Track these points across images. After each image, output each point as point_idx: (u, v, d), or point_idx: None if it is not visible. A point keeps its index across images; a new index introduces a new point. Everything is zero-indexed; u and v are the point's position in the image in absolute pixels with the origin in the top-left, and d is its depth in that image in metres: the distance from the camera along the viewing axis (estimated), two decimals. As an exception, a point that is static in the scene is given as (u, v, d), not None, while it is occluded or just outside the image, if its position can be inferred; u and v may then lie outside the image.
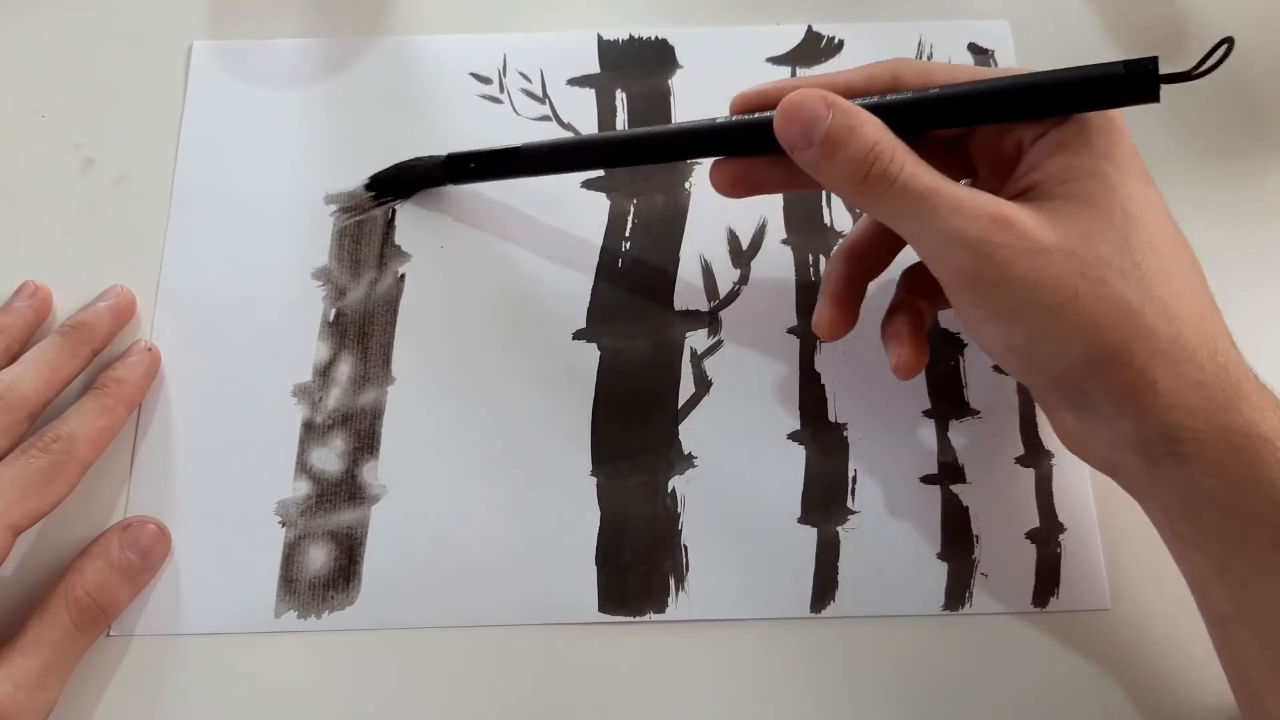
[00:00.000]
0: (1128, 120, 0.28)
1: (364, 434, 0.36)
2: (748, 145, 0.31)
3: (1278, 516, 0.25)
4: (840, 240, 0.35)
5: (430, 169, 0.38)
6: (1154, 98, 0.27)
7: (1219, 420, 0.25)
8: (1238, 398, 0.25)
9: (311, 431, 0.36)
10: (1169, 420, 0.26)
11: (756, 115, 0.30)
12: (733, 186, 0.33)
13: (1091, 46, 0.43)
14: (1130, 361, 0.25)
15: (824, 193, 0.40)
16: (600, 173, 0.40)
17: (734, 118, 0.31)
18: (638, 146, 0.34)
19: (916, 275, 0.35)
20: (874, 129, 0.27)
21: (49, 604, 0.31)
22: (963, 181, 0.30)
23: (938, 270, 0.28)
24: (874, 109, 0.28)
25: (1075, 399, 0.28)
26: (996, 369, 0.37)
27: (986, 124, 0.29)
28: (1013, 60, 0.43)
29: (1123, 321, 0.25)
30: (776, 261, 0.39)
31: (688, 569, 0.34)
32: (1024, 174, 0.28)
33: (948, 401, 0.37)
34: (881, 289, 0.37)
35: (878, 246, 0.34)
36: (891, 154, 0.27)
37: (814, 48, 0.43)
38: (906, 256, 0.35)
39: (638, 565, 0.34)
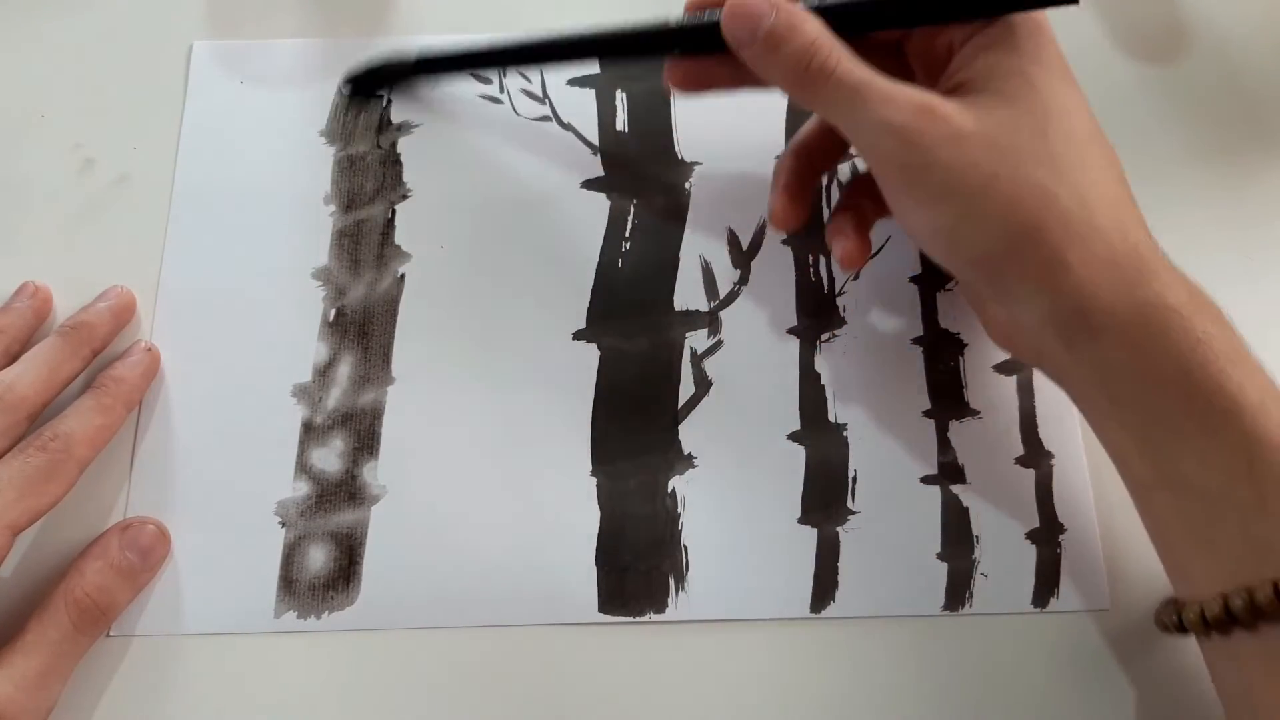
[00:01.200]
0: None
1: (364, 434, 0.36)
2: (699, 44, 0.33)
3: (1187, 382, 0.26)
4: (791, 140, 0.36)
5: (402, 64, 0.41)
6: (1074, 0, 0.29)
7: (1129, 295, 0.27)
8: (1147, 273, 0.27)
9: (311, 432, 0.36)
10: (1082, 295, 0.27)
11: (706, 15, 0.32)
12: (685, 82, 0.34)
13: (1091, 45, 0.43)
14: (1045, 240, 0.27)
15: (824, 194, 0.40)
16: (600, 172, 0.40)
17: (686, 17, 0.33)
18: (597, 42, 0.36)
19: (862, 182, 0.36)
20: (813, 26, 0.29)
21: (49, 605, 0.31)
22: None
23: (870, 160, 0.30)
24: (815, 11, 0.30)
25: (995, 279, 0.29)
26: (996, 369, 0.37)
27: (918, 25, 0.31)
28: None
29: (1038, 203, 0.27)
30: (776, 262, 0.39)
31: (688, 569, 0.34)
32: (953, 73, 0.30)
33: (948, 402, 0.37)
34: (886, 279, 0.37)
35: (824, 143, 0.36)
36: (829, 50, 0.29)
37: (814, 48, 0.43)
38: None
39: (638, 565, 0.34)
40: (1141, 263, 0.27)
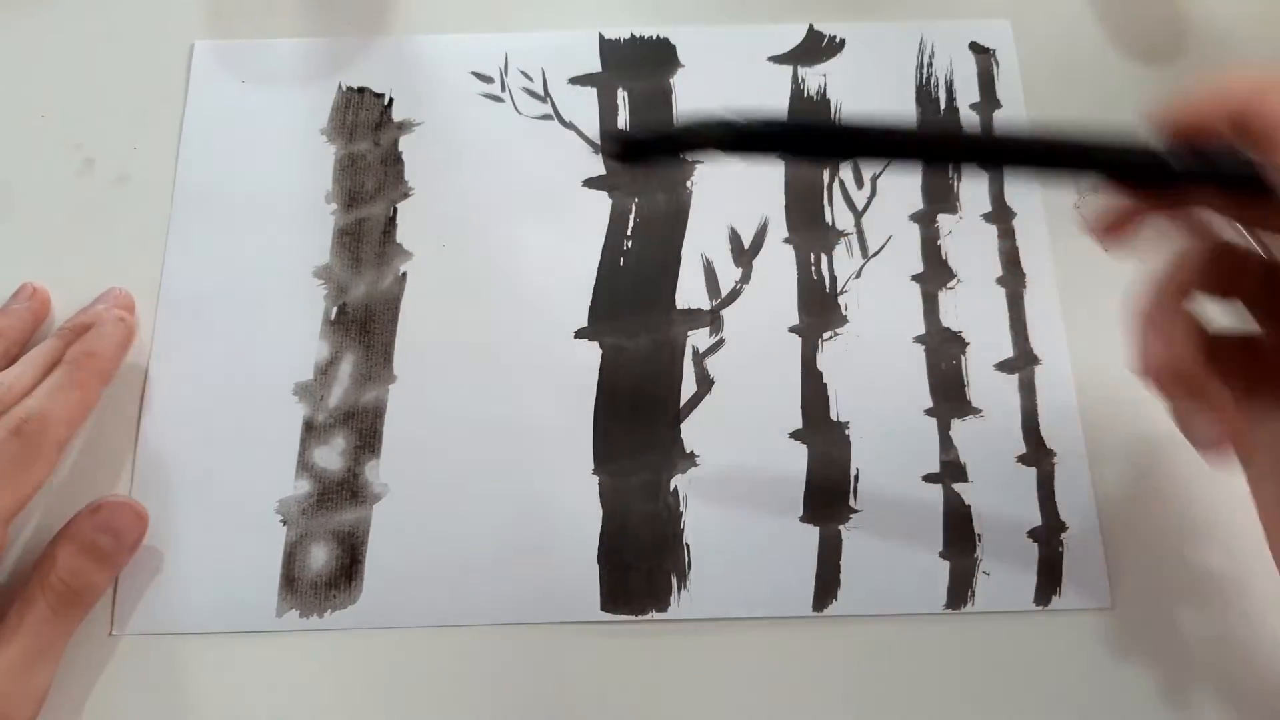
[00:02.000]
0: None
1: (365, 432, 0.36)
2: (1199, 178, 0.23)
3: None
4: (1160, 275, 0.27)
5: (710, 133, 0.26)
6: None
7: None
8: None
9: (313, 430, 0.36)
10: None
11: (1206, 147, 0.23)
12: (1123, 229, 0.25)
13: (1093, 47, 0.43)
14: None
15: (826, 192, 0.40)
16: (602, 171, 0.40)
17: (1170, 142, 0.23)
18: (1026, 152, 0.25)
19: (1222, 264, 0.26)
20: None
21: (27, 592, 0.31)
22: None
23: None
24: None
25: None
26: (998, 367, 0.37)
27: None
28: (1013, 59, 0.42)
29: None
30: (778, 260, 0.39)
31: (690, 568, 0.34)
32: None
33: (949, 400, 0.37)
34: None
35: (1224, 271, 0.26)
36: None
37: (815, 47, 0.43)
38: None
39: (640, 564, 0.34)
40: None
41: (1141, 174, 0.23)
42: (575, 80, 0.42)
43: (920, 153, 0.26)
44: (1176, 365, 0.25)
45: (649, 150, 0.28)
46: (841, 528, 0.35)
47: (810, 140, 0.26)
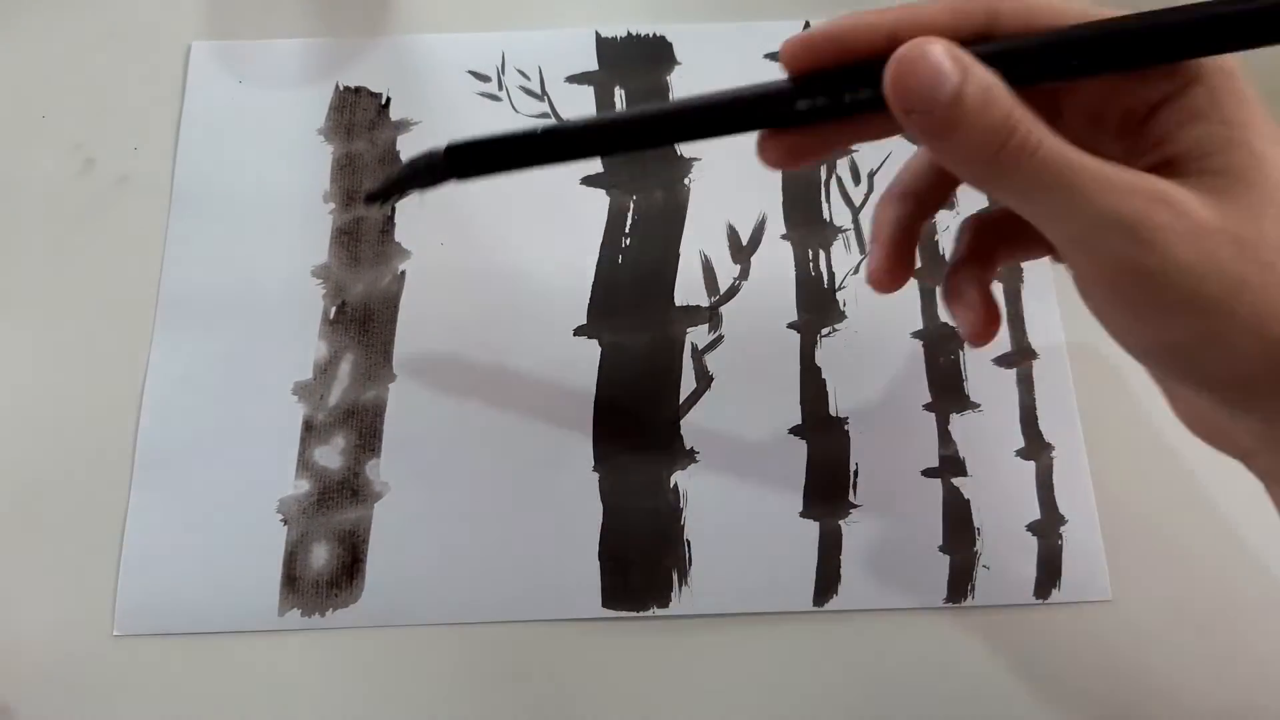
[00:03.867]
0: None
1: (365, 431, 0.36)
2: (827, 111, 0.25)
3: None
4: (889, 186, 0.29)
5: (429, 168, 0.28)
6: None
7: None
8: None
9: (313, 429, 0.36)
10: None
11: (828, 71, 0.24)
12: (790, 158, 0.26)
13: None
14: None
15: (823, 189, 0.40)
16: (600, 169, 0.40)
17: (792, 78, 0.25)
18: (686, 119, 0.27)
19: (984, 224, 0.30)
20: (1005, 93, 0.22)
21: None
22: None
23: (1078, 258, 0.24)
24: (986, 58, 0.22)
25: (1245, 404, 0.24)
26: (996, 362, 0.38)
27: (1119, 70, 0.24)
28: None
29: None
30: (776, 256, 0.39)
31: (690, 564, 0.35)
32: (1153, 147, 0.24)
33: (948, 395, 0.37)
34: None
35: (934, 185, 0.29)
36: (1029, 124, 0.22)
37: (812, 44, 0.43)
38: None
39: (640, 560, 0.35)
40: None
41: (780, 117, 0.26)
42: (572, 79, 0.42)
43: (620, 141, 0.28)
44: (894, 278, 0.29)
45: (389, 195, 0.29)
46: (841, 523, 0.35)
47: (512, 152, 0.27)
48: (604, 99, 0.42)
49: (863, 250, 0.39)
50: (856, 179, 0.40)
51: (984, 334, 0.29)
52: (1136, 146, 0.24)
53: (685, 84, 0.42)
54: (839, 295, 0.38)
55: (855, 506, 0.35)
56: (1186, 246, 0.22)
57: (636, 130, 0.28)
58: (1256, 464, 0.26)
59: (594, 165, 0.40)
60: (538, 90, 0.42)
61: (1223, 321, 0.22)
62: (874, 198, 0.40)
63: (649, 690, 0.33)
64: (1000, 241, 0.30)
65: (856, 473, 0.36)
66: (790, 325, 0.38)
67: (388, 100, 0.41)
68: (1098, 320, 0.25)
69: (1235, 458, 0.27)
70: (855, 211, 0.40)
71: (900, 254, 0.29)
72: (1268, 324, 0.22)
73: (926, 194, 0.30)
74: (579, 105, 0.41)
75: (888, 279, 0.29)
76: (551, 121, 0.26)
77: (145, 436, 0.36)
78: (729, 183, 0.40)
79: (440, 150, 0.27)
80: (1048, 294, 0.38)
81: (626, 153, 0.31)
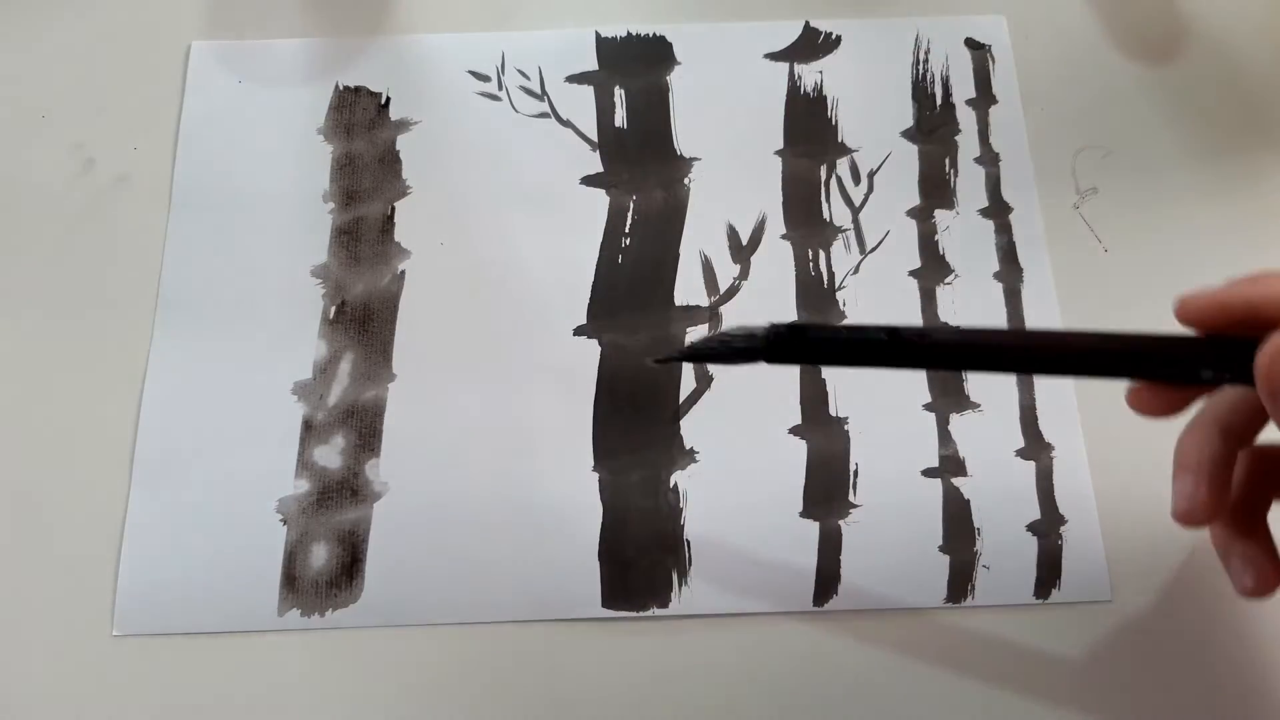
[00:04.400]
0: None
1: (365, 431, 0.36)
2: (1187, 378, 0.25)
3: None
4: (1202, 410, 0.27)
5: (746, 349, 0.26)
6: None
7: None
8: None
9: (312, 429, 0.36)
10: None
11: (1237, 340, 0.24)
12: (1158, 409, 0.26)
13: (1089, 43, 0.43)
14: None
15: (823, 189, 0.40)
16: (600, 168, 0.40)
17: (1199, 339, 0.24)
18: (1072, 354, 0.25)
19: (1267, 454, 0.28)
20: None
21: None
22: None
23: None
24: None
25: None
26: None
27: None
28: (1009, 54, 0.43)
29: None
30: (776, 256, 0.39)
31: (690, 564, 0.35)
32: None
33: (948, 395, 0.37)
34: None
35: (1251, 413, 0.27)
36: None
37: (811, 43, 0.43)
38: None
39: (640, 560, 0.35)
40: None
41: (1174, 375, 0.24)
42: (572, 78, 0.42)
43: (956, 361, 0.26)
44: (1209, 513, 0.26)
45: (692, 359, 0.30)
46: (841, 523, 0.35)
47: (867, 352, 0.25)
48: (604, 99, 0.42)
49: (863, 250, 0.39)
50: (856, 179, 0.40)
51: (1266, 588, 0.26)
52: None
53: (685, 84, 0.42)
54: (839, 295, 0.38)
55: (855, 506, 0.35)
56: None
57: (1011, 354, 0.26)
58: None
59: (594, 165, 0.40)
60: (538, 90, 0.42)
61: None
62: (874, 197, 0.40)
63: (649, 690, 0.33)
64: None
65: (856, 473, 0.36)
66: (790, 325, 0.38)
67: (387, 100, 0.41)
68: None
69: None
70: (855, 211, 0.40)
71: (1218, 489, 0.26)
72: None
73: (1244, 424, 0.27)
74: (578, 105, 0.41)
75: (1205, 515, 0.26)
76: (902, 325, 0.25)
77: (145, 436, 0.36)
78: (729, 183, 0.40)
79: (762, 331, 0.25)
80: (1048, 294, 0.38)
81: (990, 372, 0.30)
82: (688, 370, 0.37)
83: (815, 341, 0.25)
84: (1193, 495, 0.26)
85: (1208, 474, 0.26)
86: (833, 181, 0.40)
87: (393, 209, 0.40)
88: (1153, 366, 0.24)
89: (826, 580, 0.34)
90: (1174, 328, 0.25)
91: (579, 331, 0.38)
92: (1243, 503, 0.27)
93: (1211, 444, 0.26)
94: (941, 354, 0.25)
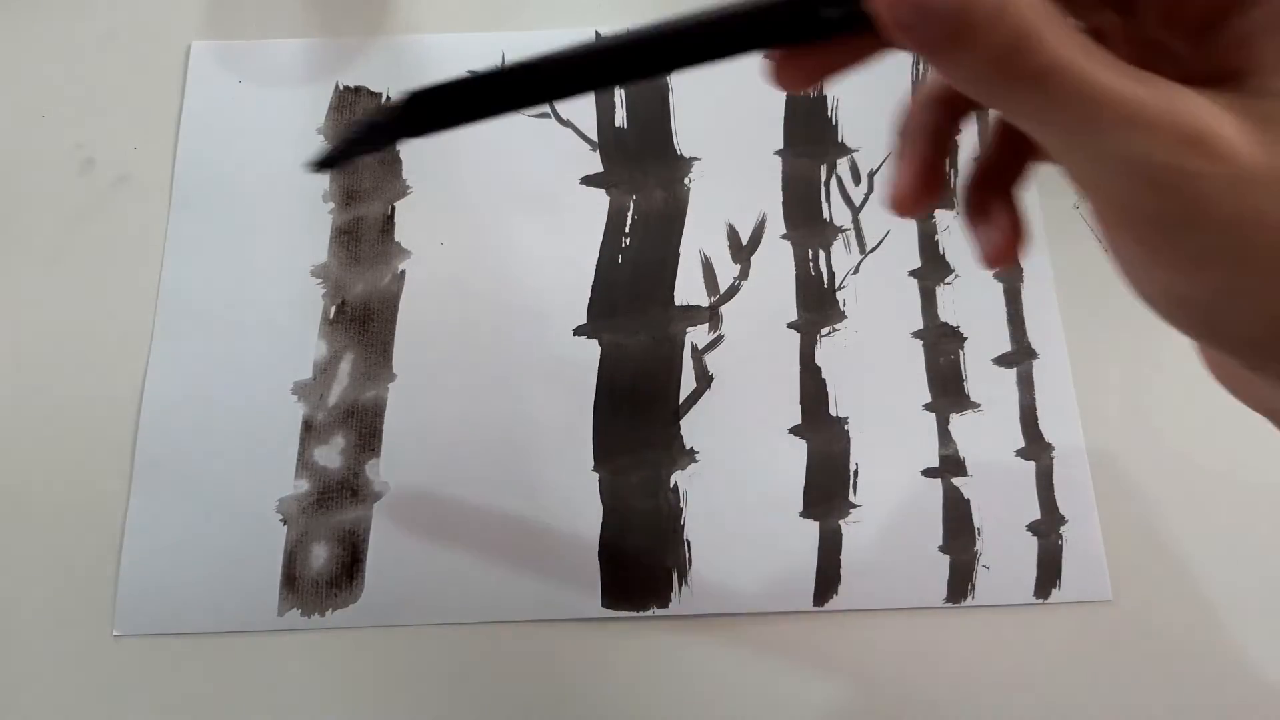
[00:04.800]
0: None
1: (365, 431, 0.36)
2: (812, 28, 0.21)
3: None
4: (921, 89, 0.25)
5: (386, 124, 0.25)
6: None
7: None
8: None
9: (312, 429, 0.36)
10: None
11: None
12: (799, 79, 0.23)
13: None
14: None
15: (823, 189, 0.40)
16: (600, 169, 0.40)
17: None
18: (687, 38, 0.23)
19: (1010, 132, 0.25)
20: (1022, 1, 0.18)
21: None
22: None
23: (1094, 198, 0.20)
24: None
25: (1264, 364, 0.21)
26: (996, 362, 0.37)
27: None
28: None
29: None
30: (776, 256, 0.39)
31: (690, 564, 0.35)
32: (1227, 53, 0.20)
33: (948, 395, 0.37)
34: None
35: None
36: (1042, 33, 0.18)
37: (812, 44, 0.43)
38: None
39: (640, 560, 0.35)
40: None
41: (800, 29, 0.22)
42: (573, 78, 0.42)
43: (603, 75, 0.23)
44: (917, 199, 0.24)
45: (340, 159, 0.26)
46: (841, 523, 0.35)
47: (481, 95, 0.23)
48: (604, 99, 0.42)
49: (863, 250, 0.39)
50: (856, 179, 0.40)
51: (1007, 255, 0.24)
52: (1207, 52, 0.20)
53: (685, 83, 0.42)
54: (839, 295, 0.38)
55: (855, 506, 0.35)
56: (1223, 198, 0.18)
57: (634, 55, 0.23)
58: None
59: (594, 165, 0.40)
60: (538, 90, 0.42)
61: (1255, 276, 0.19)
62: (874, 197, 0.40)
63: (649, 690, 0.33)
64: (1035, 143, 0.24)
65: (856, 472, 0.36)
66: (790, 325, 0.38)
67: (387, 100, 0.41)
68: (1112, 257, 0.22)
69: (1261, 414, 0.24)
70: (855, 211, 0.40)
71: (929, 171, 0.24)
72: None
73: (960, 100, 0.24)
74: (578, 105, 0.41)
75: (912, 200, 0.24)
76: (529, 56, 0.23)
77: (145, 436, 0.36)
78: (729, 183, 0.40)
79: (399, 102, 0.23)
80: (1048, 294, 0.38)
81: (624, 84, 0.25)
82: (688, 370, 0.37)
83: (446, 91, 0.23)
84: (908, 178, 0.24)
85: (920, 155, 0.24)
86: (833, 181, 0.40)
87: (393, 209, 0.40)
88: (774, 25, 0.22)
89: (827, 580, 0.34)
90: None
91: (579, 331, 0.38)
92: (993, 172, 0.25)
93: (923, 119, 0.24)
94: (564, 75, 0.23)
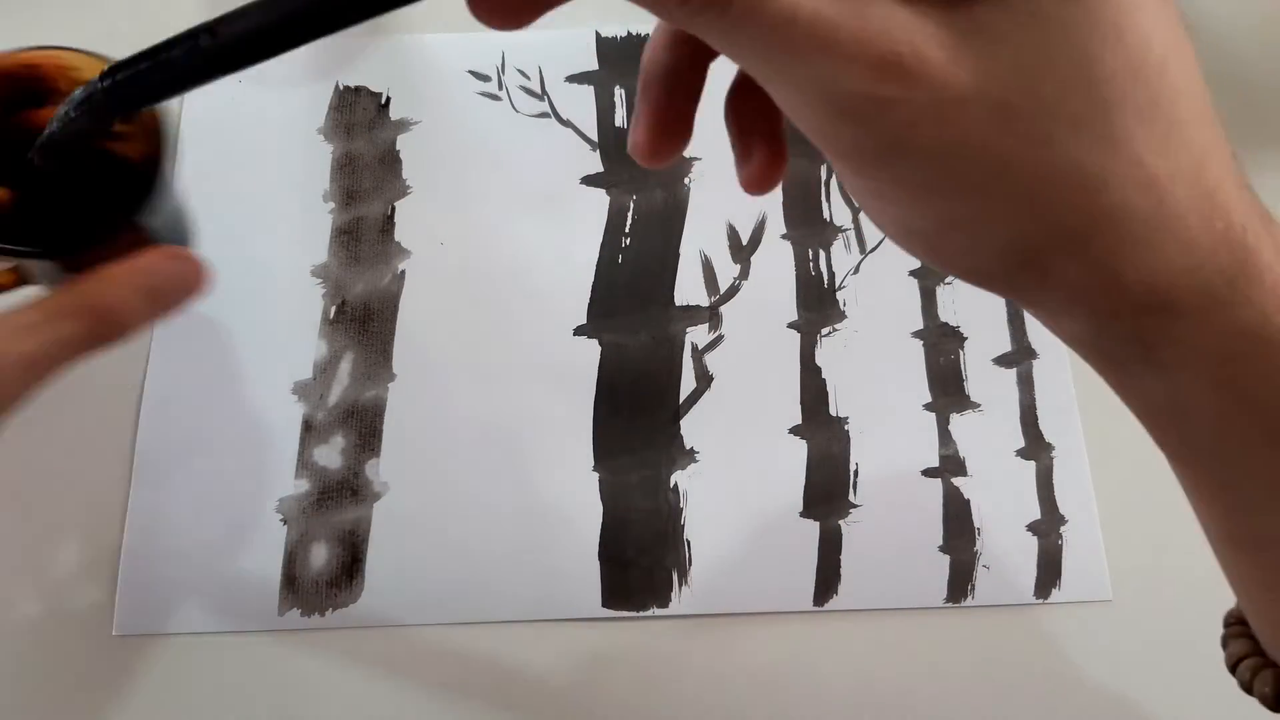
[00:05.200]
0: None
1: (365, 431, 0.36)
2: None
3: None
4: (657, 29, 0.23)
5: (90, 109, 0.24)
6: None
7: (1215, 319, 0.18)
8: (1245, 283, 0.18)
9: (312, 429, 0.36)
10: (1139, 325, 0.18)
11: None
12: (505, 15, 0.20)
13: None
14: (1083, 251, 0.18)
15: (823, 189, 0.40)
16: (600, 168, 0.40)
17: None
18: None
19: None
20: None
21: (65, 302, 0.24)
22: None
23: (803, 129, 0.19)
24: None
25: (1004, 289, 0.20)
26: (996, 361, 0.38)
27: None
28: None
29: (1073, 198, 0.17)
30: (776, 256, 0.39)
31: (690, 564, 0.35)
32: None
33: (948, 395, 0.37)
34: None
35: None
36: None
37: (812, 43, 0.43)
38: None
39: (640, 560, 0.35)
40: (1236, 264, 0.18)
41: None
42: (572, 78, 0.42)
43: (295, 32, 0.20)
44: (662, 143, 0.22)
45: (59, 150, 0.25)
46: (841, 522, 0.35)
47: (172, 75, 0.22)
48: (604, 98, 0.42)
49: (863, 250, 0.39)
50: (856, 179, 0.40)
51: (763, 182, 0.23)
52: None
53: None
54: (839, 295, 0.38)
55: (855, 506, 0.35)
56: (926, 125, 0.17)
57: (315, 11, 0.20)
58: (1092, 364, 0.21)
59: (594, 165, 0.40)
60: (538, 90, 0.42)
61: (973, 208, 0.18)
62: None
63: (649, 690, 0.33)
64: None
65: (856, 472, 0.36)
66: (790, 325, 0.38)
67: (387, 100, 0.41)
68: (849, 193, 0.20)
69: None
70: (855, 211, 0.40)
71: (672, 115, 0.22)
72: (1034, 210, 0.17)
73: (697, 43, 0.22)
74: (579, 105, 0.41)
75: (650, 149, 0.23)
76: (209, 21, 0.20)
77: (145, 436, 0.36)
78: (729, 182, 0.40)
79: (98, 84, 0.22)
80: (1048, 294, 0.38)
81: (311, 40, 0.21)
82: (688, 370, 0.37)
83: (136, 68, 0.22)
84: (646, 121, 0.22)
85: (667, 93, 0.22)
86: (833, 181, 0.40)
87: (393, 209, 0.40)
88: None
89: (827, 580, 0.34)
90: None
91: (579, 331, 0.38)
92: (746, 94, 0.23)
93: (665, 56, 0.22)
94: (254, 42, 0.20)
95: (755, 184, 0.23)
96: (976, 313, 0.38)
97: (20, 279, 0.26)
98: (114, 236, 0.24)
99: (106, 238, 0.24)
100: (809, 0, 0.16)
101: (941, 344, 0.38)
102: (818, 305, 0.38)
